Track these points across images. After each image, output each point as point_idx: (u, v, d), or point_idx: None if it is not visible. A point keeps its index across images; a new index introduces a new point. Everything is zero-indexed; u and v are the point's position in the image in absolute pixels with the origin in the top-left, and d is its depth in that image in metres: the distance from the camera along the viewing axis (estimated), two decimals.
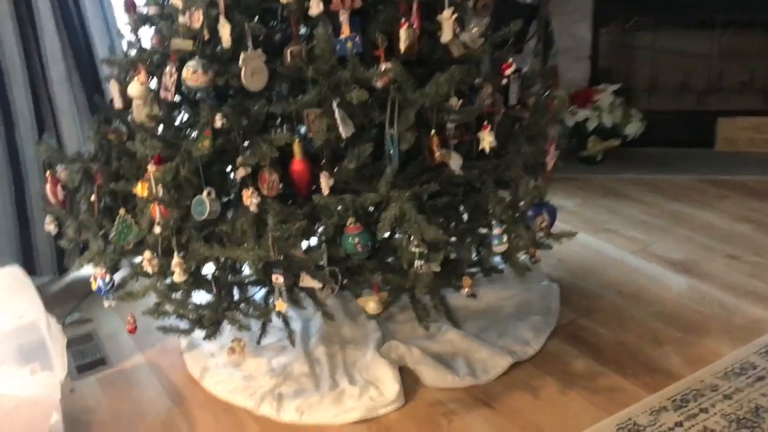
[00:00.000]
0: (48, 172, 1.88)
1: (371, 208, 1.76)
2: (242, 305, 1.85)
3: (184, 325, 1.75)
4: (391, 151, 1.67)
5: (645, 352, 2.09)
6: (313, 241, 1.93)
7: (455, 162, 1.82)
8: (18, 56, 2.45)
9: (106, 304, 1.96)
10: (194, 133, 1.77)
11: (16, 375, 1.63)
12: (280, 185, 1.72)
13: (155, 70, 1.83)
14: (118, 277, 1.98)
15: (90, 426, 1.96)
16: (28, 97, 2.51)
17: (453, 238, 1.90)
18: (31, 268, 2.63)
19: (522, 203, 1.82)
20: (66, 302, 2.61)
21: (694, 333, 2.17)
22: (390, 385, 1.95)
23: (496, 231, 1.79)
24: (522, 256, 2.00)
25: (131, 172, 1.82)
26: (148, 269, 1.82)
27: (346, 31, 1.66)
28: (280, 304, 1.71)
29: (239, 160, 1.69)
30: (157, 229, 1.69)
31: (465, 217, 1.96)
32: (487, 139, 1.75)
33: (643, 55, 3.87)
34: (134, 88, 1.80)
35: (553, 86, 2.11)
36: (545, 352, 2.13)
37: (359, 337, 2.23)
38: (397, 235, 1.69)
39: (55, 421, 1.72)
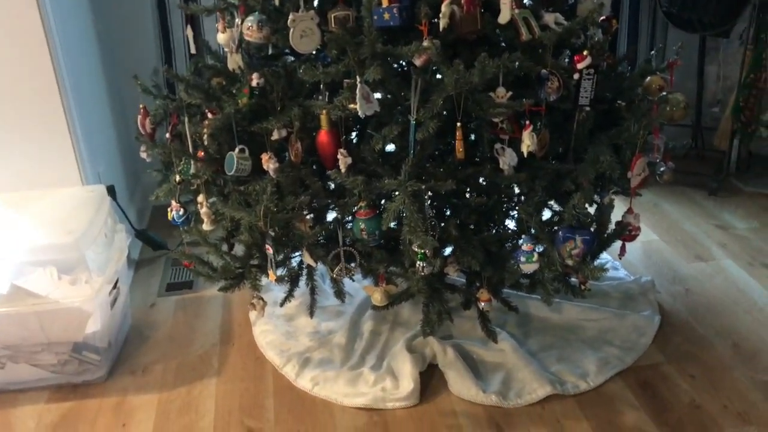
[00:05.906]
0: (141, 104, 2.01)
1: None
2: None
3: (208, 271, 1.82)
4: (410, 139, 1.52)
5: (719, 428, 1.71)
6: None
7: (506, 159, 1.61)
8: None
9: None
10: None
11: (57, 284, 1.82)
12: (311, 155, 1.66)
13: (231, 20, 1.84)
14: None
15: (147, 341, 2.14)
16: None
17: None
18: None
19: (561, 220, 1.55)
20: None
21: None
22: (405, 381, 1.85)
23: (525, 246, 1.56)
24: (573, 280, 1.73)
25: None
26: (200, 211, 1.90)
27: (384, 0, 1.51)
28: (272, 275, 1.69)
29: (270, 121, 1.67)
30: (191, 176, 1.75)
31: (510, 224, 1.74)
32: (526, 142, 1.51)
33: None
34: (220, 37, 1.84)
35: (663, 87, 1.72)
36: (600, 392, 1.85)
37: (414, 322, 2.13)
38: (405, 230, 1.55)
39: (95, 330, 1.90)
